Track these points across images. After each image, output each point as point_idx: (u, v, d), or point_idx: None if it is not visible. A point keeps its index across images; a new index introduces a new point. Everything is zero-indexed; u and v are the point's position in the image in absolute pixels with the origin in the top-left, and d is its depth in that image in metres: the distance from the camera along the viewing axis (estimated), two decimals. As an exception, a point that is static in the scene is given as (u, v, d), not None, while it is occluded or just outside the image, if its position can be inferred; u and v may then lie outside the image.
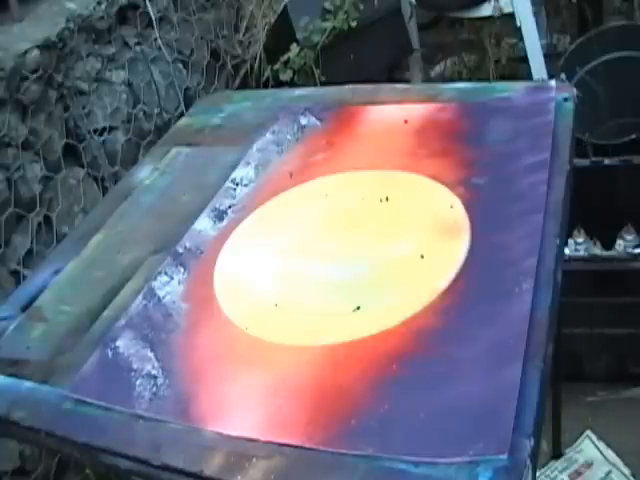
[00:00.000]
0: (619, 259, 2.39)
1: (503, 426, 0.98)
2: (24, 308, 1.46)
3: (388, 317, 1.20)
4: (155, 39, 2.72)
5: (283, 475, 1.02)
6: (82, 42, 2.36)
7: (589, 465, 2.25)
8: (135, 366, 1.24)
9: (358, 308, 1.24)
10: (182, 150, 1.83)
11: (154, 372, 1.22)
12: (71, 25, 2.30)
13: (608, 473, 2.21)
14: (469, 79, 3.35)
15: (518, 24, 2.97)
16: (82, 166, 2.32)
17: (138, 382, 1.21)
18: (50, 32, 2.22)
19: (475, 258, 1.27)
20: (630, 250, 2.39)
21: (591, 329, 2.39)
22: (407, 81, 3.48)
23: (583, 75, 2.76)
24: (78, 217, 2.24)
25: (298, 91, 2.11)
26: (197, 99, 2.73)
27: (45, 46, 2.17)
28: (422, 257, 1.30)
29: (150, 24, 2.71)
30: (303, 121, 1.81)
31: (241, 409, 1.13)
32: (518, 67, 3.28)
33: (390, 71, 3.53)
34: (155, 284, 1.41)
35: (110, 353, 1.28)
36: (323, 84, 2.99)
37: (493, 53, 3.34)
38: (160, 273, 1.43)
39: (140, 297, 1.39)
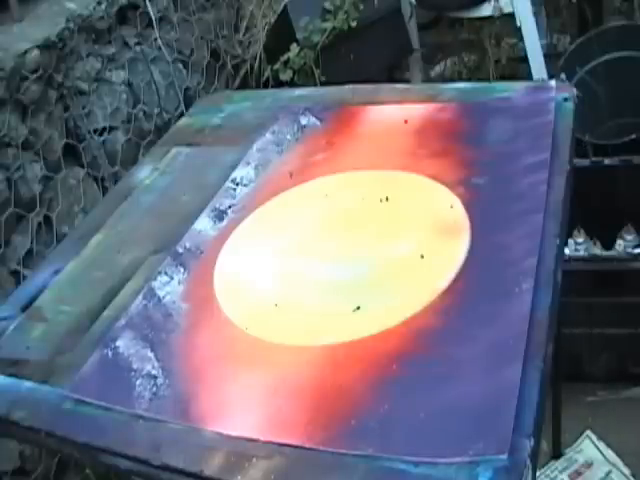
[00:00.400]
0: (619, 259, 2.39)
1: (503, 426, 0.98)
2: (24, 308, 1.46)
3: (388, 317, 1.20)
4: (155, 39, 2.72)
5: (283, 475, 1.02)
6: (82, 42, 2.36)
7: (589, 465, 2.25)
8: (135, 366, 1.24)
9: (358, 308, 1.24)
10: (182, 150, 1.83)
11: (154, 372, 1.22)
12: (71, 25, 2.30)
13: (608, 473, 2.21)
14: (469, 79, 3.35)
15: (518, 24, 2.97)
16: (82, 166, 2.32)
17: (138, 382, 1.21)
18: (50, 32, 2.22)
19: (475, 258, 1.27)
20: (630, 250, 2.39)
21: (591, 329, 2.39)
22: (407, 81, 3.48)
23: (583, 75, 2.76)
24: (78, 217, 2.24)
25: (298, 91, 2.11)
26: (197, 99, 2.73)
27: (45, 46, 2.17)
28: (422, 257, 1.30)
29: (150, 24, 2.71)
30: (303, 121, 1.81)
31: (241, 409, 1.13)
32: (518, 67, 3.28)
33: (390, 71, 3.53)
34: (155, 284, 1.41)
35: (110, 353, 1.28)
36: (323, 84, 2.99)
37: (493, 53, 3.34)
38: (160, 273, 1.43)
39: (140, 297, 1.39)
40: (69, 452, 1.25)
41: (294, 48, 3.05)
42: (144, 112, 2.60)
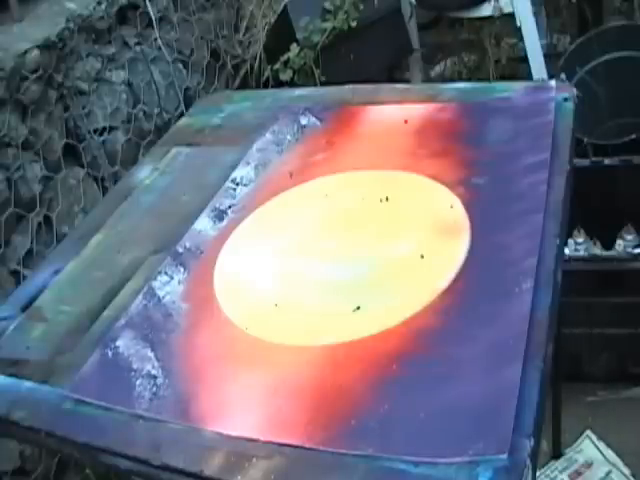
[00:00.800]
0: (619, 259, 2.39)
1: (503, 426, 0.98)
2: (24, 308, 1.46)
3: (388, 317, 1.20)
4: (155, 39, 2.72)
5: (283, 475, 1.02)
6: (82, 42, 2.36)
7: (589, 465, 2.25)
8: (135, 366, 1.24)
9: (358, 308, 1.24)
10: (182, 150, 1.83)
11: (154, 372, 1.22)
12: (71, 25, 2.30)
13: (608, 473, 2.21)
14: (469, 79, 3.35)
15: (518, 24, 2.97)
16: (82, 166, 2.32)
17: (138, 382, 1.21)
18: (50, 32, 2.22)
19: (475, 258, 1.27)
20: (630, 250, 2.39)
21: (591, 329, 2.39)
22: (407, 81, 3.48)
23: (583, 75, 2.76)
24: (78, 217, 2.24)
25: (298, 91, 2.11)
26: (197, 99, 2.73)
27: (45, 46, 2.17)
28: (422, 257, 1.30)
29: (150, 24, 2.71)
30: (303, 121, 1.81)
31: (241, 409, 1.13)
32: (518, 67, 3.28)
33: (390, 71, 3.53)
34: (155, 284, 1.41)
35: (110, 353, 1.28)
36: (323, 84, 2.99)
37: (493, 53, 3.34)
38: (160, 273, 1.43)
39: (140, 297, 1.39)
40: (69, 452, 1.25)
41: (294, 48, 3.05)
42: (144, 112, 2.60)
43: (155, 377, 1.21)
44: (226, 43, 3.19)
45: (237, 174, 1.67)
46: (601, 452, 2.27)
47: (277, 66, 3.09)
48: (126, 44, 2.59)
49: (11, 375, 1.30)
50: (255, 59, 3.21)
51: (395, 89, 1.97)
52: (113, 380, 1.24)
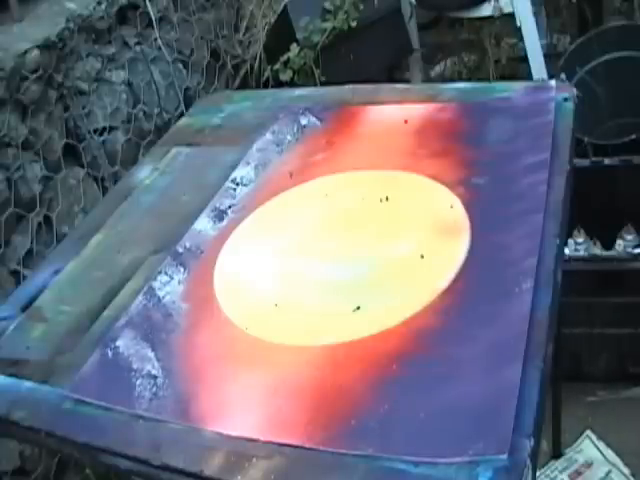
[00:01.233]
0: (619, 259, 2.39)
1: (503, 426, 0.98)
2: (24, 308, 1.46)
3: (388, 317, 1.20)
4: (155, 39, 2.72)
5: (283, 475, 1.02)
6: (82, 42, 2.36)
7: (589, 465, 2.25)
8: (135, 366, 1.24)
9: (358, 308, 1.24)
10: (182, 150, 1.83)
11: (154, 372, 1.22)
12: (71, 25, 2.30)
13: (608, 473, 2.22)
14: (469, 79, 3.35)
15: (518, 24, 2.97)
16: (82, 166, 2.32)
17: (138, 382, 1.21)
18: (50, 32, 2.22)
19: (475, 258, 1.27)
20: (630, 250, 2.39)
21: (591, 329, 2.39)
22: (407, 81, 3.48)
23: (583, 75, 2.76)
24: (78, 217, 2.24)
25: (298, 91, 2.11)
26: (197, 99, 2.73)
27: (45, 46, 2.17)
28: (422, 257, 1.30)
29: (150, 24, 2.71)
30: (303, 121, 1.81)
31: (241, 409, 1.13)
32: (518, 67, 3.28)
33: (390, 71, 3.53)
34: (155, 284, 1.41)
35: (110, 353, 1.28)
36: (323, 84, 2.99)
37: (493, 53, 3.34)
38: (160, 273, 1.43)
39: (140, 297, 1.39)
40: (69, 452, 1.25)
41: (294, 48, 3.05)
42: (144, 112, 2.60)
43: (155, 377, 1.21)
44: (226, 43, 3.19)
45: (237, 174, 1.67)
46: (601, 452, 2.27)
47: (277, 66, 3.09)
48: (126, 44, 2.60)
49: (11, 375, 1.30)
50: (255, 59, 3.21)
51: (395, 89, 1.97)
52: (113, 380, 1.24)
